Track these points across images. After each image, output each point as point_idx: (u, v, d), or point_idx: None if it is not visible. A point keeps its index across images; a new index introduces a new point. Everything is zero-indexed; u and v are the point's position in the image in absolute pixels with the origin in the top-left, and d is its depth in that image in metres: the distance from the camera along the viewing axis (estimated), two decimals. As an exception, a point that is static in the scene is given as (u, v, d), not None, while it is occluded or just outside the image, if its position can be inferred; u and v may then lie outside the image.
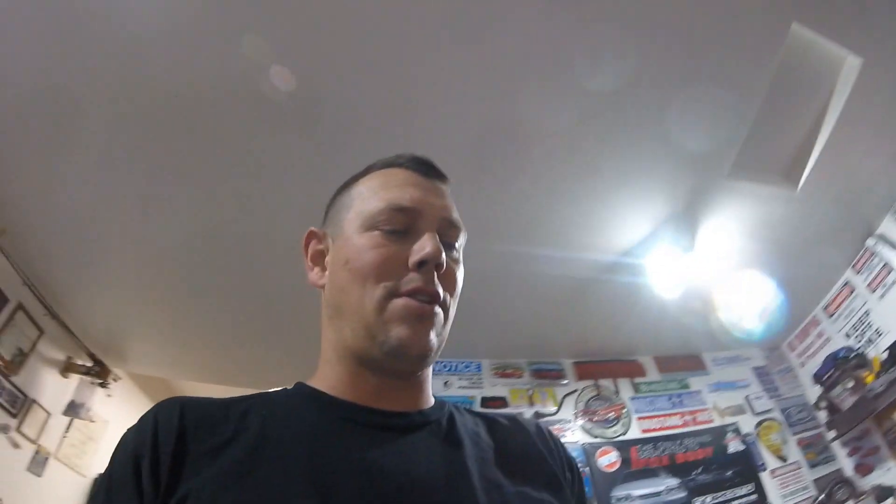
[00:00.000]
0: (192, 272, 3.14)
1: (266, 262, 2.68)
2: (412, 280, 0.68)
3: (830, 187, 2.68)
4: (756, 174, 2.57)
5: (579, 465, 3.00)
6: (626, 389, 3.53)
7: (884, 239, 2.94)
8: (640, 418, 3.37)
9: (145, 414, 0.65)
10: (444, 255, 0.69)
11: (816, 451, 3.21)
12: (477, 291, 2.91)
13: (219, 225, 2.80)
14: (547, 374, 3.67)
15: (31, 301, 3.10)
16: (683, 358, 3.61)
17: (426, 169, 0.79)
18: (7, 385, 2.85)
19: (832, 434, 3.14)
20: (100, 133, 2.36)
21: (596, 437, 3.31)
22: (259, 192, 2.61)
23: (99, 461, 3.58)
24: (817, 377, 3.27)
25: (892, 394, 2.66)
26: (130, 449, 0.61)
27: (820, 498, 2.98)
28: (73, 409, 3.35)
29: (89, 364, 3.60)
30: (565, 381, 3.62)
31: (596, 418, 3.39)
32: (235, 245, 2.90)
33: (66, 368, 3.44)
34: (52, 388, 3.27)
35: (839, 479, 3.01)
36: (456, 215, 0.78)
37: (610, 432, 3.32)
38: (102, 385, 3.64)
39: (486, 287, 3.03)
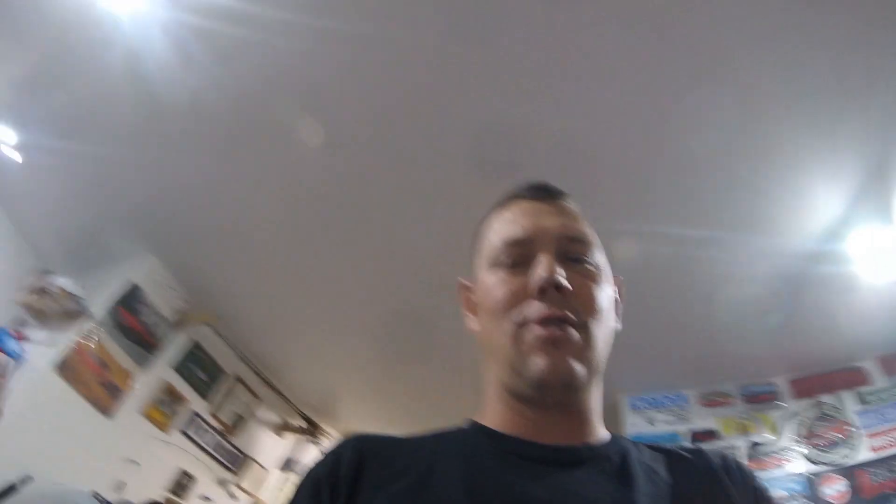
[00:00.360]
0: (392, 336, 3.39)
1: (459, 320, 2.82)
2: (536, 308, 0.67)
3: None
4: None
5: (803, 498, 2.56)
6: (851, 403, 2.91)
7: None
8: (869, 435, 2.74)
9: (329, 448, 0.70)
10: (558, 275, 0.67)
11: None
12: (668, 312, 2.76)
13: (410, 291, 3.06)
14: (760, 398, 3.21)
15: (246, 373, 3.61)
16: (913, 353, 2.90)
17: (539, 193, 0.79)
18: (227, 445, 3.31)
19: None
20: (292, 224, 2.80)
21: (820, 463, 2.78)
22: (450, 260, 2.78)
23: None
24: None
25: None
26: (313, 478, 0.66)
27: None
28: (288, 465, 3.75)
29: (303, 424, 4.01)
30: (782, 403, 3.14)
31: (820, 442, 2.85)
32: (432, 308, 3.04)
33: (282, 428, 3.88)
34: (269, 447, 3.73)
35: None
36: (579, 228, 0.75)
37: (836, 456, 2.75)
38: (315, 442, 4.01)
39: (677, 306, 2.87)
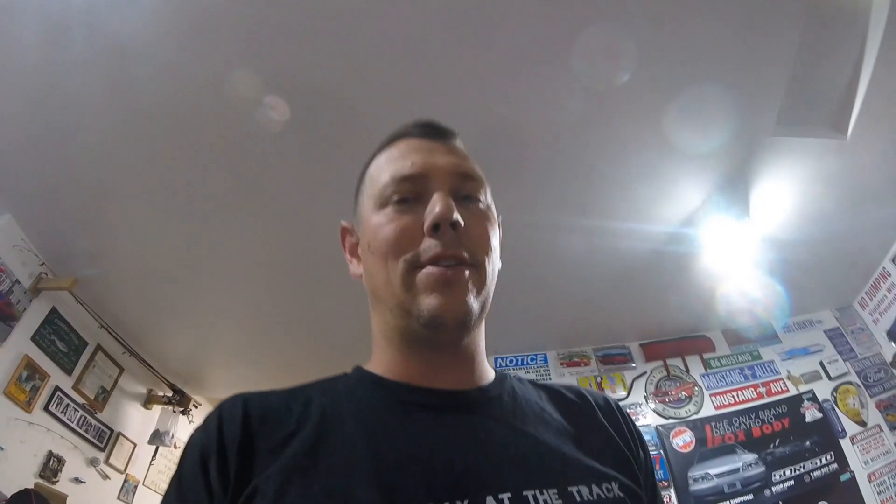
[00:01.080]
0: (261, 298, 3.26)
1: (333, 280, 2.74)
2: (431, 247, 0.64)
3: (881, 129, 2.46)
4: (802, 127, 2.43)
5: (653, 448, 2.98)
6: (696, 367, 3.46)
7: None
8: (712, 395, 3.29)
9: (210, 413, 0.64)
10: (455, 212, 0.65)
11: (897, 413, 3.06)
12: (536, 282, 2.95)
13: (280, 251, 2.91)
14: (614, 360, 3.65)
15: (109, 342, 3.27)
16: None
17: (428, 131, 0.76)
18: (93, 421, 3.03)
19: (913, 393, 2.98)
20: (157, 182, 2.52)
21: (668, 418, 3.26)
22: (319, 212, 2.67)
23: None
24: (892, 334, 3.11)
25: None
26: (198, 448, 0.60)
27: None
28: (157, 438, 3.52)
29: (170, 394, 3.77)
30: (633, 365, 3.59)
31: (667, 399, 3.34)
32: (301, 267, 2.99)
33: (148, 400, 3.62)
34: (136, 420, 3.45)
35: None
36: (470, 167, 0.73)
37: (682, 412, 3.25)
38: (184, 412, 3.80)
39: (545, 277, 3.04)
